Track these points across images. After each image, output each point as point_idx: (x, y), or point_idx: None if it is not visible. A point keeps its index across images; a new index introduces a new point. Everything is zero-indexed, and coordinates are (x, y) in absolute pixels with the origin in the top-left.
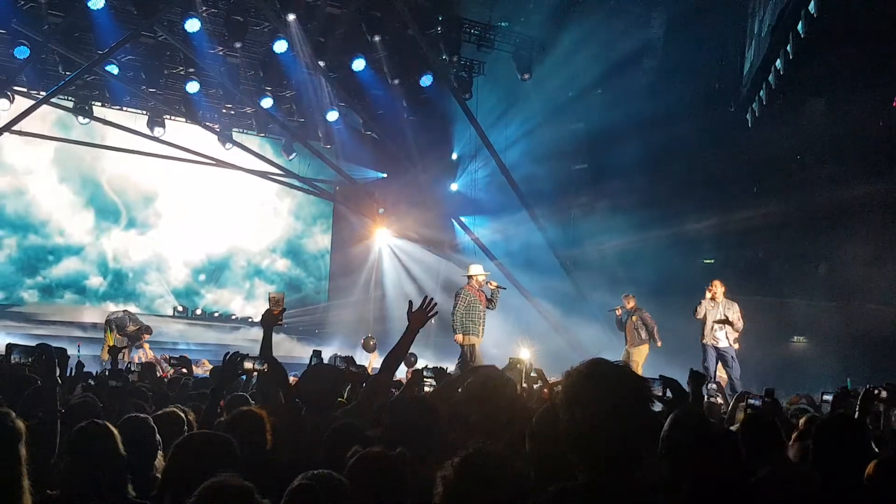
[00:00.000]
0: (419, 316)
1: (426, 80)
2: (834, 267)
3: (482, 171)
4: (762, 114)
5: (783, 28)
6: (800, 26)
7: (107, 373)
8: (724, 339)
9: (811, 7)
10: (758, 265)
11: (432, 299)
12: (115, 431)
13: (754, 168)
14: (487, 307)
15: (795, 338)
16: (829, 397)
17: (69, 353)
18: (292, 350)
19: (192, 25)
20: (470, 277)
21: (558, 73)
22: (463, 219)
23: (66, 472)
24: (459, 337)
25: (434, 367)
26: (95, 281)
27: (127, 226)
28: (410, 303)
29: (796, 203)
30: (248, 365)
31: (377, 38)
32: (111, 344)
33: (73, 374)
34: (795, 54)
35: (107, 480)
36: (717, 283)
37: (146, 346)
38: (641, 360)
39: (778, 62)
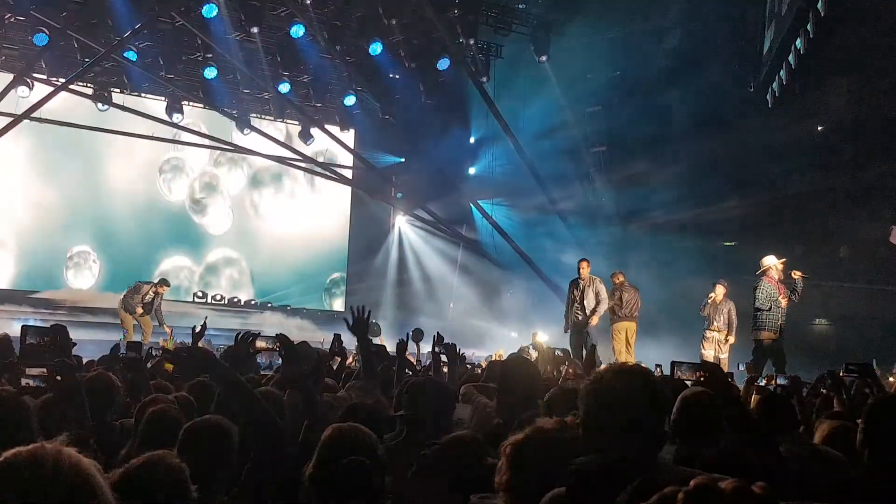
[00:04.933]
0: (360, 327)
1: (443, 64)
2: (857, 248)
3: (500, 155)
4: (782, 94)
5: (803, 7)
6: (819, 4)
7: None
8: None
9: None
10: (779, 247)
11: (363, 307)
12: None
13: (775, 149)
14: (791, 299)
15: (817, 320)
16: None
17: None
18: (313, 335)
19: (209, 11)
20: (766, 270)
21: (576, 56)
22: (481, 202)
23: None
24: (764, 334)
25: (447, 344)
26: (103, 258)
27: (142, 205)
28: (346, 321)
29: (818, 184)
30: (260, 344)
31: (394, 22)
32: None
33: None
34: (815, 34)
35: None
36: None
37: (169, 336)
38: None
39: (798, 42)
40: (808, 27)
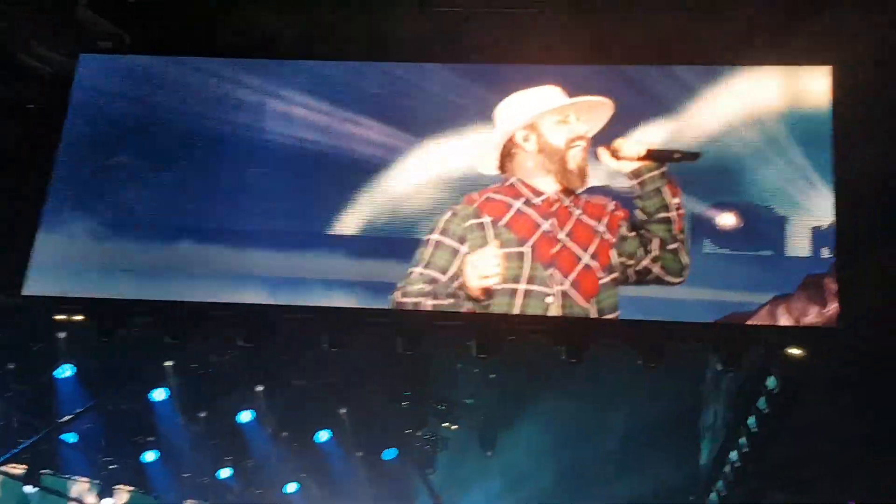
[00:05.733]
0: None
1: (389, 454)
2: None
3: None
4: None
5: (734, 421)
6: (751, 421)
7: None
8: None
9: (760, 404)
10: None
11: None
12: None
13: None
14: None
15: None
16: None
17: None
18: None
19: (159, 395)
20: None
21: (520, 449)
22: None
23: None
24: None
25: None
26: None
27: None
28: None
29: None
30: None
31: (343, 411)
32: None
33: None
34: (750, 447)
35: None
36: None
37: None
38: None
39: (733, 454)
40: (742, 440)
